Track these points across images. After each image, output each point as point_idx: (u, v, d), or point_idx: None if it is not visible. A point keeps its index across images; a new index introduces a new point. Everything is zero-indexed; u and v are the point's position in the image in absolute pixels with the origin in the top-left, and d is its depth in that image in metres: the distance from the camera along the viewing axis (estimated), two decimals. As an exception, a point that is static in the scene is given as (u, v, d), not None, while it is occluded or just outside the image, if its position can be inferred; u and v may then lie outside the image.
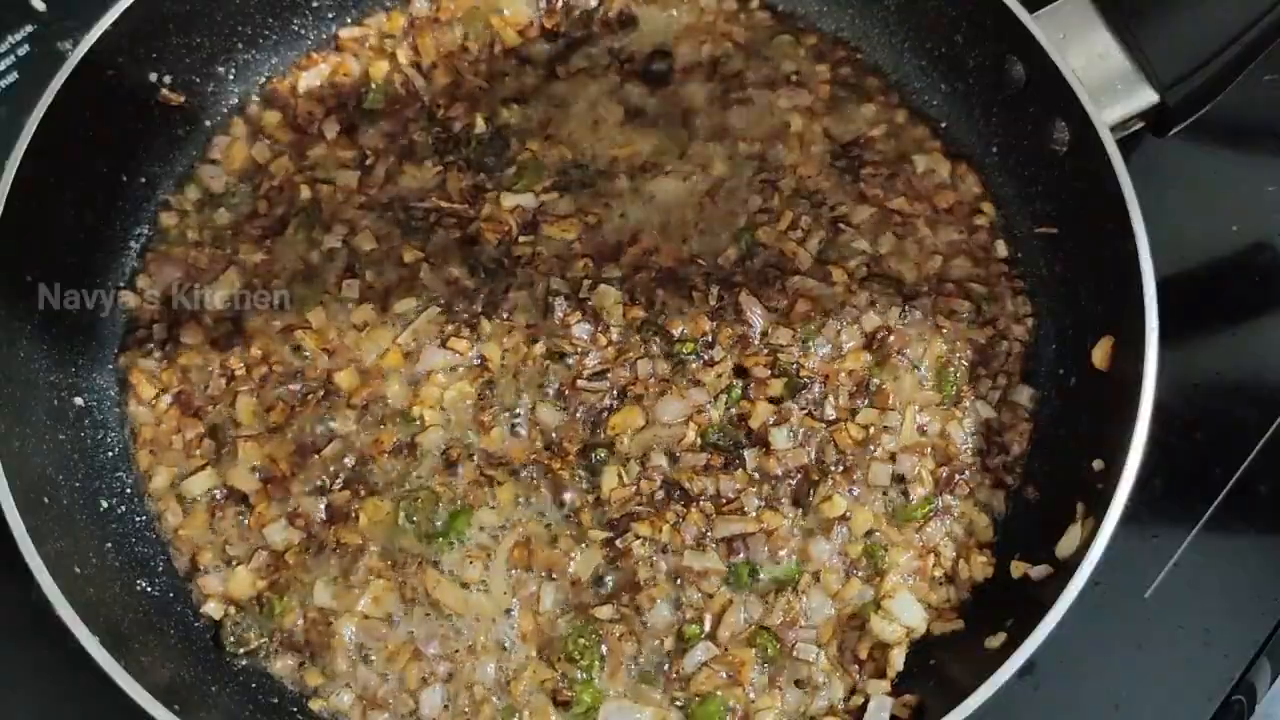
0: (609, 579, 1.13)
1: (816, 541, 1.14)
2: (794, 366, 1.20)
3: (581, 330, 1.22)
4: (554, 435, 1.18)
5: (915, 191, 1.30)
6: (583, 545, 1.14)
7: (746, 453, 1.17)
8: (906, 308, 1.23)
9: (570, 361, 1.20)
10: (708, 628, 1.11)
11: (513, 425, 1.19)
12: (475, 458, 1.17)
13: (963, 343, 1.23)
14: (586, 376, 1.20)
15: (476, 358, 1.21)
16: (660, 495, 1.15)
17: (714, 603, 1.12)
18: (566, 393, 1.20)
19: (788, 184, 1.30)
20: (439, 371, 1.21)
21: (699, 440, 1.17)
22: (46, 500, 1.08)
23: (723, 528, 1.13)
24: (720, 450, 1.17)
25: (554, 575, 1.13)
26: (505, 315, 1.23)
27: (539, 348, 1.21)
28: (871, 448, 1.17)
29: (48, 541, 1.02)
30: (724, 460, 1.16)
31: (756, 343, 1.21)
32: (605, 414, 1.19)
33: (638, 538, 1.13)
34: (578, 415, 1.19)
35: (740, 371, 1.20)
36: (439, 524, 1.15)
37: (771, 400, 1.18)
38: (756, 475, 1.16)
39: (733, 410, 1.19)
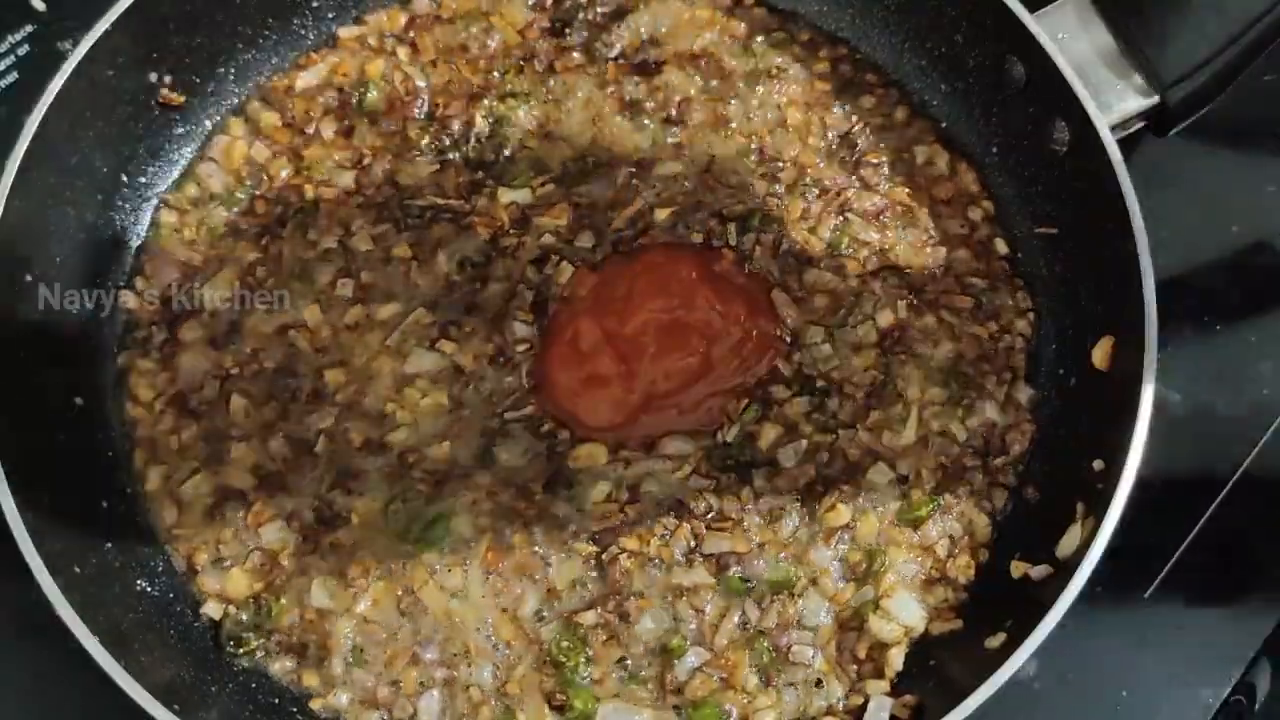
0: (592, 585, 1.12)
1: (817, 548, 1.14)
2: (813, 375, 1.20)
3: (522, 329, 1.22)
4: (516, 476, 1.17)
5: (915, 182, 1.31)
6: (565, 555, 1.13)
7: (754, 473, 1.16)
8: (914, 302, 1.24)
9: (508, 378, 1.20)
10: (701, 635, 1.11)
11: (484, 442, 1.18)
12: (427, 465, 1.17)
13: (968, 339, 1.23)
14: (505, 394, 1.20)
15: (454, 363, 1.21)
16: (651, 510, 1.15)
17: (707, 612, 1.12)
18: (507, 417, 1.19)
19: (789, 175, 1.30)
20: (423, 376, 1.21)
21: (703, 468, 1.17)
22: (46, 500, 1.07)
23: (712, 544, 1.13)
24: (726, 471, 1.17)
25: (534, 580, 1.13)
26: (479, 314, 1.24)
27: (491, 347, 1.22)
28: (876, 450, 1.17)
29: (47, 541, 1.01)
30: (730, 483, 1.16)
31: (788, 344, 1.21)
32: (563, 447, 1.18)
33: (623, 551, 1.13)
34: (528, 448, 1.18)
35: (759, 388, 1.20)
36: (421, 527, 1.14)
37: (785, 422, 1.18)
38: (762, 495, 1.15)
39: (745, 431, 1.18)
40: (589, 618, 1.11)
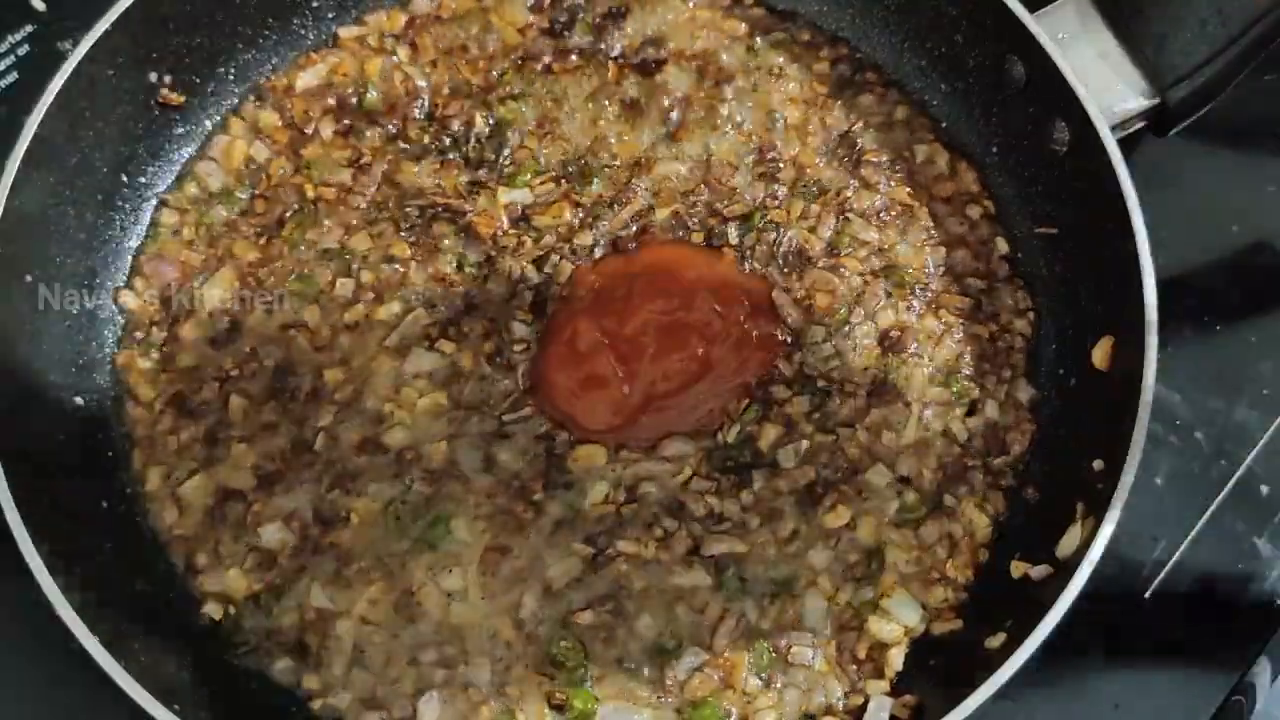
0: (591, 586, 1.12)
1: (816, 549, 1.14)
2: (814, 375, 1.20)
3: (522, 329, 1.22)
4: (515, 477, 1.17)
5: (915, 181, 1.31)
6: (563, 556, 1.13)
7: (754, 474, 1.16)
8: (915, 302, 1.24)
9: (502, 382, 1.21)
10: (701, 635, 1.11)
11: (482, 442, 1.18)
12: (426, 465, 1.17)
13: (968, 339, 1.23)
14: (504, 395, 1.20)
15: (453, 363, 1.21)
16: (650, 512, 1.15)
17: (706, 613, 1.12)
18: (505, 419, 1.19)
19: (788, 174, 1.30)
20: (422, 376, 1.21)
21: (704, 469, 1.17)
22: (47, 501, 1.07)
23: (711, 545, 1.13)
24: (727, 473, 1.17)
25: (532, 581, 1.13)
26: (478, 314, 1.24)
27: (490, 347, 1.22)
28: (876, 450, 1.17)
29: (47, 541, 1.01)
30: (730, 484, 1.16)
31: (790, 344, 1.21)
32: (562, 448, 1.17)
33: (620, 554, 1.13)
34: (527, 450, 1.18)
35: (760, 388, 1.20)
36: (421, 528, 1.15)
37: (785, 422, 1.18)
38: (762, 496, 1.15)
39: (745, 432, 1.18)
40: (587, 617, 1.11)
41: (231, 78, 1.37)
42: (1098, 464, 1.08)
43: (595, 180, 1.30)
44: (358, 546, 1.15)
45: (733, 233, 1.27)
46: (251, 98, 1.37)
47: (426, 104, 1.36)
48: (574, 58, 1.38)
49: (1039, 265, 1.27)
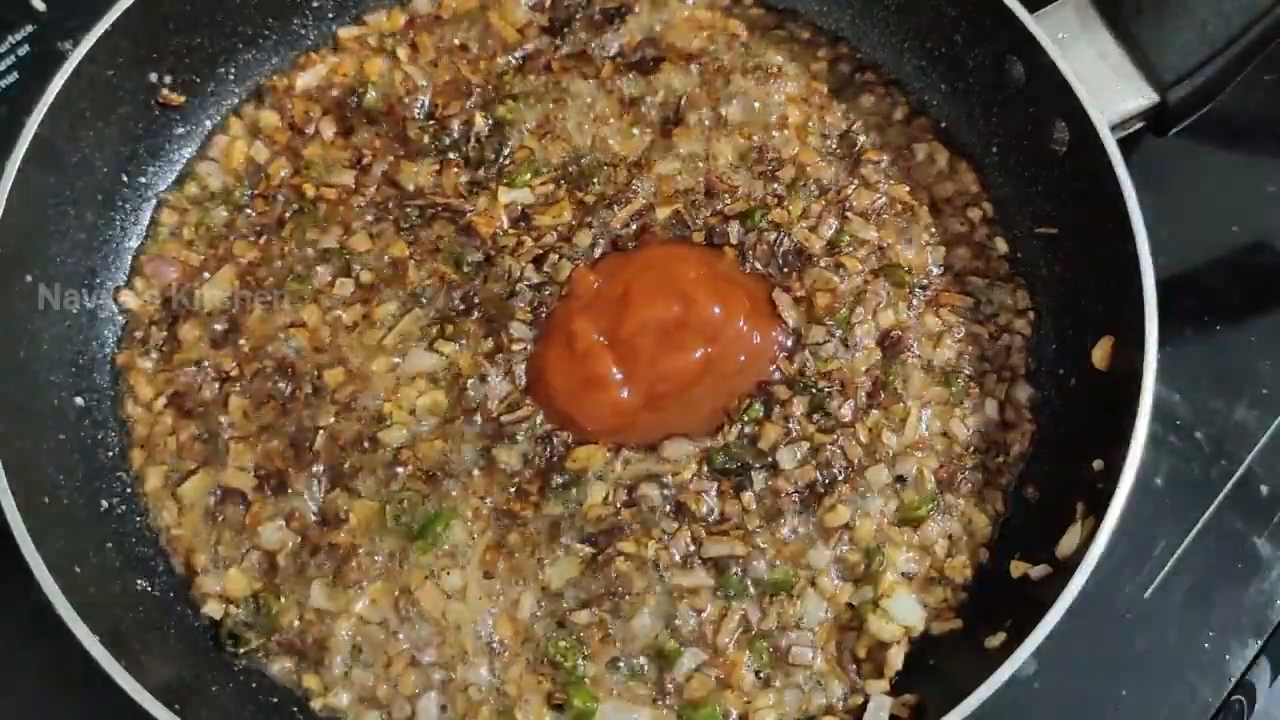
0: (590, 587, 1.12)
1: (816, 548, 1.14)
2: (814, 375, 1.20)
3: (521, 329, 1.22)
4: (514, 477, 1.17)
5: (915, 181, 1.31)
6: (562, 556, 1.13)
7: (754, 474, 1.16)
8: (914, 302, 1.24)
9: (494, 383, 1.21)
10: (701, 635, 1.11)
11: (481, 442, 1.18)
12: (425, 465, 1.17)
13: (968, 338, 1.23)
14: (504, 395, 1.19)
15: (452, 363, 1.21)
16: (650, 512, 1.15)
17: (706, 613, 1.11)
18: (503, 420, 1.19)
19: (787, 173, 1.30)
20: (421, 375, 1.21)
21: (705, 469, 1.17)
22: (46, 500, 1.08)
23: (711, 547, 1.13)
24: (727, 474, 1.16)
25: (531, 582, 1.13)
26: (477, 314, 1.24)
27: (490, 345, 1.22)
28: (876, 450, 1.17)
29: (48, 541, 1.02)
30: (731, 484, 1.16)
31: (790, 344, 1.21)
32: (561, 448, 1.17)
33: (620, 554, 1.13)
34: (526, 451, 1.18)
35: (760, 388, 1.20)
36: (419, 528, 1.15)
37: (786, 422, 1.18)
38: (763, 496, 1.15)
39: (745, 432, 1.18)
40: (583, 616, 1.11)
41: (231, 78, 1.37)
42: (1098, 464, 1.08)
43: (595, 180, 1.30)
44: (357, 546, 1.15)
45: (733, 232, 1.27)
46: (251, 98, 1.38)
47: (426, 104, 1.36)
48: (573, 57, 1.38)
49: (1039, 265, 1.27)
